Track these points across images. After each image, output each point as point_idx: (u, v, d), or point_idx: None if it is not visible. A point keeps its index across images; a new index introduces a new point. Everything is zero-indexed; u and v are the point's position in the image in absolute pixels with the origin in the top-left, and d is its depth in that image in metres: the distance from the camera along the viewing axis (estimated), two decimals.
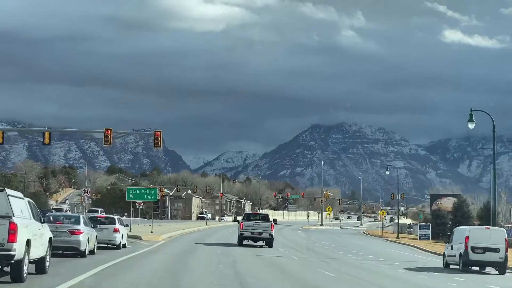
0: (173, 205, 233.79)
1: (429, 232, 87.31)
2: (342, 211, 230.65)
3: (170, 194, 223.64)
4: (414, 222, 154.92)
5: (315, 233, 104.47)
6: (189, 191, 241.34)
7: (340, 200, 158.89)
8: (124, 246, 41.29)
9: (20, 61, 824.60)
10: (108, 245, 39.38)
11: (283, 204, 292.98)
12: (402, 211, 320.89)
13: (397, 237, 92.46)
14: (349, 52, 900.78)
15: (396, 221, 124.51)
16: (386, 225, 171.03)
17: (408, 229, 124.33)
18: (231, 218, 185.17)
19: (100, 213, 79.05)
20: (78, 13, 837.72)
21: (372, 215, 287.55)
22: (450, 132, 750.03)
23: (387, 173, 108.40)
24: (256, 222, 49.48)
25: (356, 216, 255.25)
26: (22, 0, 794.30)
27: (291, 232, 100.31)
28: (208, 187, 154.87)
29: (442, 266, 39.77)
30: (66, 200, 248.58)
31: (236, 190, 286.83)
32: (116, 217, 40.49)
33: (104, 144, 62.24)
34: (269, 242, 48.92)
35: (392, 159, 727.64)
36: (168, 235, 61.09)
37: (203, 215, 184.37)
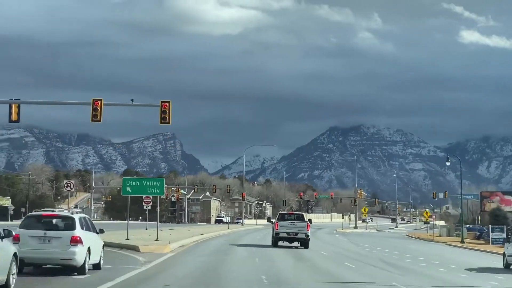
0: (190, 208, 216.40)
1: (503, 235, 68.77)
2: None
3: (188, 196, 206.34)
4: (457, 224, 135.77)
5: (357, 236, 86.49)
6: (207, 193, 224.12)
7: (376, 200, 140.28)
8: (97, 267, 23.56)
9: (36, 67, 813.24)
10: (64, 267, 21.62)
11: (304, 207, 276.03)
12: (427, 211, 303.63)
13: (462, 242, 73.89)
14: (366, 54, 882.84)
15: (431, 223, 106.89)
16: (423, 227, 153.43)
17: (456, 232, 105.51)
18: (253, 221, 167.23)
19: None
20: (94, 18, 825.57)
21: (394, 216, 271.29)
22: (469, 133, 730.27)
23: (448, 164, 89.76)
24: (291, 222, 46.51)
25: (377, 219, 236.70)
26: (39, 6, 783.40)
27: (330, 237, 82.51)
28: (228, 186, 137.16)
29: None
30: (76, 205, 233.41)
31: (256, 192, 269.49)
32: (77, 216, 22.28)
33: (92, 120, 44.69)
34: (305, 243, 46.07)
35: (410, 161, 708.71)
36: (179, 243, 43.31)
37: (222, 218, 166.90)
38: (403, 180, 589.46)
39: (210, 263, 29.60)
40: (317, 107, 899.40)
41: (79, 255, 21.09)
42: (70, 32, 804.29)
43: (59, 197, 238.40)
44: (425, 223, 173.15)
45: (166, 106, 44.94)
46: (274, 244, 46.05)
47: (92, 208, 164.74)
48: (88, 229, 22.80)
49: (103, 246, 24.95)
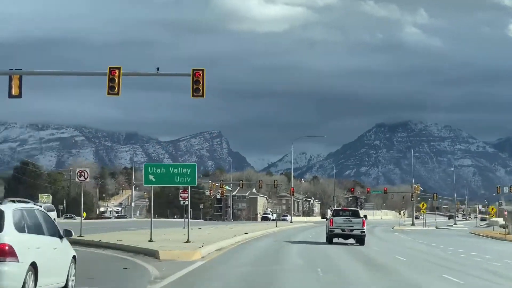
0: (236, 205, 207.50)
1: None
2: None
3: (234, 193, 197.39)
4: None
5: (419, 235, 75.92)
6: (254, 190, 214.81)
7: (435, 195, 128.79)
8: None
9: (84, 67, 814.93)
10: None
11: (353, 203, 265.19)
12: (479, 209, 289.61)
13: None
14: (413, 49, 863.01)
15: (493, 219, 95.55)
16: (482, 224, 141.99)
17: None
18: (302, 218, 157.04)
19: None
20: (139, 18, 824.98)
21: (448, 213, 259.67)
22: None
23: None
24: (346, 218, 44.45)
25: (436, 216, 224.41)
26: (84, 7, 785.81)
27: (390, 235, 72.23)
28: (275, 182, 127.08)
29: None
30: (121, 202, 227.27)
31: (303, 189, 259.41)
32: (12, 208, 12.24)
33: (109, 94, 35.69)
34: (361, 240, 44.02)
35: (459, 157, 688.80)
36: (216, 246, 33.80)
37: (268, 215, 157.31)
38: (452, 177, 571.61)
39: (254, 279, 19.99)
40: (364, 104, 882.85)
41: (7, 278, 11.52)
42: (116, 32, 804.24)
43: (103, 195, 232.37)
44: (482, 220, 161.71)
45: (199, 75, 35.62)
46: (329, 241, 44.13)
47: (133, 205, 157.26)
48: (35, 231, 13.18)
49: (74, 259, 15.41)
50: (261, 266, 24.52)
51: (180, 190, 67.19)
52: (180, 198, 64.42)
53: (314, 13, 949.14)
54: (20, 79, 37.39)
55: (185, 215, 76.07)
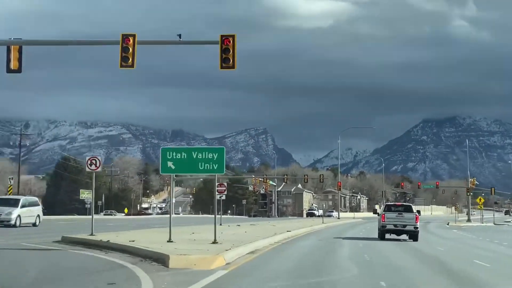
0: (281, 201, 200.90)
1: None
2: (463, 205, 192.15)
3: (279, 189, 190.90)
4: None
5: (480, 231, 68.12)
6: (299, 186, 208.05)
7: (493, 189, 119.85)
8: None
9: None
10: None
11: (401, 199, 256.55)
12: None
13: None
14: (462, 43, 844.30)
15: None
16: None
17: None
18: (350, 214, 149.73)
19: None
20: (185, 15, 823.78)
21: (501, 209, 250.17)
22: None
23: None
24: (398, 213, 42.60)
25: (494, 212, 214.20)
26: (133, 6, 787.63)
27: (448, 232, 64.69)
28: (321, 176, 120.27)
29: None
30: (164, 199, 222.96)
31: (349, 184, 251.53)
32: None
33: (121, 66, 29.84)
34: (414, 236, 41.79)
35: (510, 152, 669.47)
36: (250, 247, 27.35)
37: (313, 211, 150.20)
38: (502, 172, 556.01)
39: None
40: (410, 99, 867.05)
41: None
42: (163, 30, 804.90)
43: (147, 191, 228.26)
44: None
45: (229, 42, 29.39)
46: (381, 237, 42.52)
47: (173, 201, 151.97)
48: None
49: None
50: (301, 277, 17.92)
51: (217, 183, 60.93)
52: (217, 193, 58.05)
53: (360, 8, 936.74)
54: (20, 51, 31.77)
55: (221, 212, 70.29)
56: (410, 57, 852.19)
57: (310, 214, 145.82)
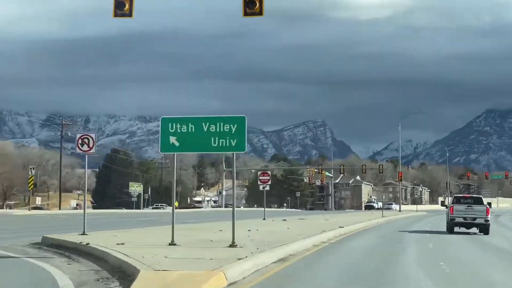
0: (339, 193, 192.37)
1: None
2: None
3: (336, 181, 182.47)
4: None
5: None
6: (358, 178, 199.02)
7: None
8: None
9: (183, 59, 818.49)
10: None
11: (465, 191, 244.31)
12: None
13: None
14: None
15: None
16: None
17: None
18: (412, 207, 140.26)
19: None
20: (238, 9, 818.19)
21: None
22: None
23: None
24: (468, 206, 39.75)
25: None
26: (182, 1, 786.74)
27: None
28: (381, 165, 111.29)
29: None
30: (219, 191, 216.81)
31: (410, 176, 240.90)
32: None
33: (116, 16, 21.95)
34: (485, 229, 38.82)
35: None
36: (281, 252, 19.73)
37: (372, 204, 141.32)
38: None
39: None
40: (472, 90, 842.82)
41: None
42: (217, 24, 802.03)
43: (202, 184, 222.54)
44: None
45: None
46: (450, 230, 39.86)
47: (224, 193, 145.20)
48: None
49: None
50: None
51: (259, 172, 53.39)
52: (259, 182, 50.47)
53: None
54: None
55: (233, 204, 63.05)
56: (470, 47, 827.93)
57: (369, 207, 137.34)
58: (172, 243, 20.20)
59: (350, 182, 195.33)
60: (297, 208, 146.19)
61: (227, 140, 20.28)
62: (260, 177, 49.75)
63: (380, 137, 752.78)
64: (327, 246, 25.44)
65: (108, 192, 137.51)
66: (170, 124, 20.44)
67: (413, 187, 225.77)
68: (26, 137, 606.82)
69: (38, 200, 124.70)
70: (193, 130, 20.43)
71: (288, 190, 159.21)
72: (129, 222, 44.96)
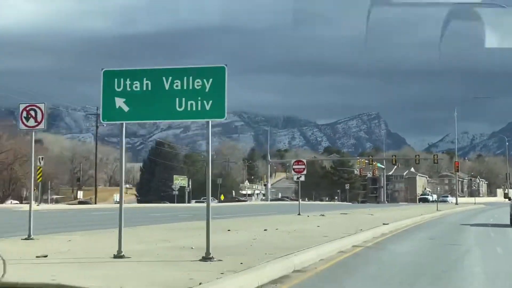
0: (392, 185, 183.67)
1: None
2: None
3: (389, 173, 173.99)
4: None
5: None
6: (412, 169, 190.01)
7: None
8: None
9: (242, 53, 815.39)
10: None
11: None
12: None
13: None
14: None
15: None
16: None
17: None
18: (470, 199, 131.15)
19: None
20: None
21: None
22: None
23: None
24: None
25: None
26: None
27: None
28: (435, 155, 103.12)
29: None
30: (271, 184, 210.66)
31: (467, 168, 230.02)
32: None
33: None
34: None
35: None
36: (289, 263, 13.41)
37: (426, 196, 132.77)
38: None
39: None
40: None
41: None
42: (273, 16, 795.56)
43: (252, 177, 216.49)
44: None
45: None
46: None
47: (269, 186, 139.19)
48: None
49: None
50: None
51: (293, 161, 46.54)
52: (293, 172, 43.69)
53: None
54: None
55: (299, 197, 56.12)
56: None
57: (423, 200, 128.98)
58: (118, 255, 13.62)
59: (404, 174, 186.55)
60: (347, 202, 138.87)
61: (199, 102, 13.62)
62: (294, 166, 42.82)
63: (435, 129, 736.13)
64: (358, 252, 18.54)
65: (152, 185, 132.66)
66: (116, 80, 13.82)
67: (470, 179, 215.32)
68: (83, 132, 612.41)
69: (80, 194, 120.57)
70: (149, 88, 13.79)
71: (339, 183, 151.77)
72: (144, 218, 38.73)
